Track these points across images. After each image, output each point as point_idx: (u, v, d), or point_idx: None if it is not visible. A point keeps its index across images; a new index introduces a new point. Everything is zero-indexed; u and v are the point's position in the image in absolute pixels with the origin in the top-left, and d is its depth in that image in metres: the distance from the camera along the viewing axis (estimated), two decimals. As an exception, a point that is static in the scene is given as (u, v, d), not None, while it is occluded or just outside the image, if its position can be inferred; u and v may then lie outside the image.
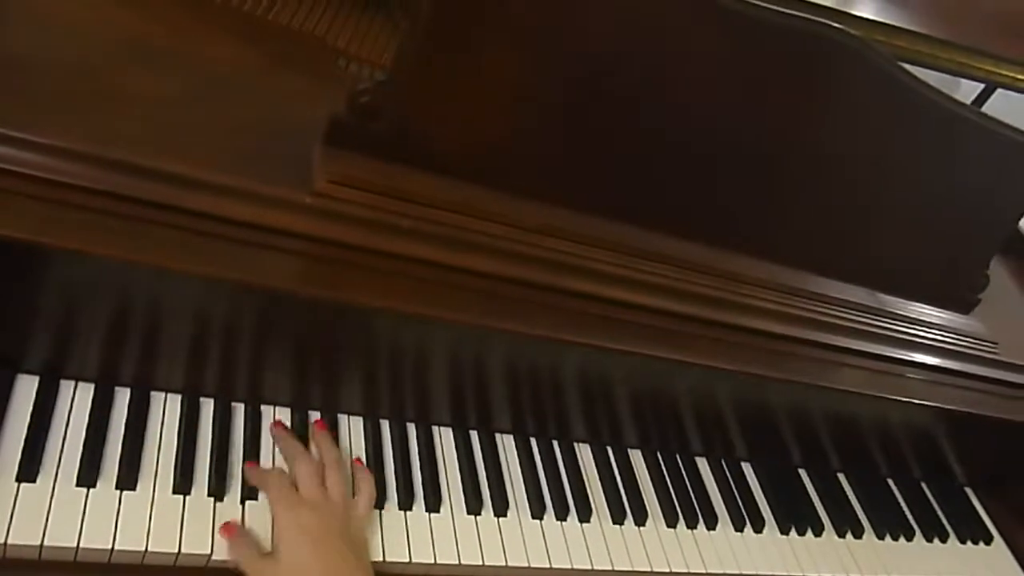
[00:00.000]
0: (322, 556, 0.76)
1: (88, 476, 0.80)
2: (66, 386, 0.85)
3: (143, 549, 0.78)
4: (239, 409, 0.92)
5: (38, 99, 0.77)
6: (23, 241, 0.70)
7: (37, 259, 0.74)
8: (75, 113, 0.77)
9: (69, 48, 0.85)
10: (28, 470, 0.78)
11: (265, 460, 0.89)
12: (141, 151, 0.74)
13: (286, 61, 0.97)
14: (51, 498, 0.77)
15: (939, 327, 1.13)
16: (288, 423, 0.93)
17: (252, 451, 0.89)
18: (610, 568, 0.98)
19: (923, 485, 1.33)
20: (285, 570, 0.76)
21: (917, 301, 1.14)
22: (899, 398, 1.08)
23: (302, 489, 0.83)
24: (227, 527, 0.80)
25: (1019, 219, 1.17)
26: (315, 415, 0.95)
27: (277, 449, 0.90)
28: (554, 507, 1.00)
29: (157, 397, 0.89)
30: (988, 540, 1.30)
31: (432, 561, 0.89)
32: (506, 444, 1.04)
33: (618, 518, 1.03)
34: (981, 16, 1.36)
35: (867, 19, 1.13)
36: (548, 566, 0.94)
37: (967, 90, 1.43)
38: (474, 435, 1.03)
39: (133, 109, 0.81)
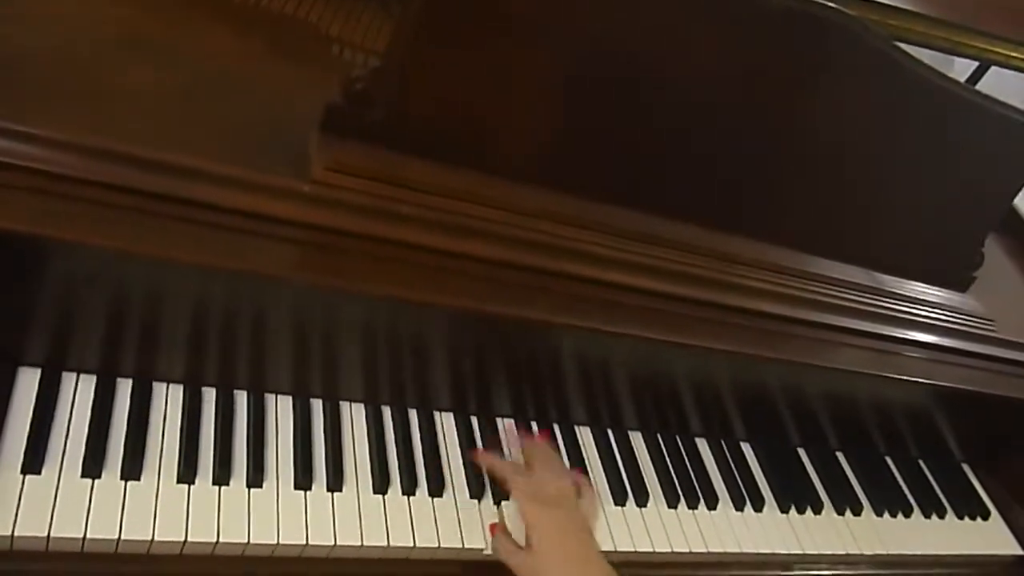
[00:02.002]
0: (574, 547, 0.86)
1: (93, 467, 0.80)
2: (68, 378, 0.85)
3: (149, 538, 0.78)
4: (241, 397, 0.92)
5: (36, 92, 0.77)
6: (23, 234, 0.70)
7: (37, 252, 0.74)
8: (73, 106, 0.77)
9: (66, 42, 0.84)
10: (33, 462, 0.78)
11: (269, 449, 0.89)
12: (139, 142, 0.74)
13: (281, 50, 0.97)
14: (56, 490, 0.78)
15: (936, 305, 1.14)
16: (289, 410, 0.93)
17: (256, 439, 0.89)
18: (613, 549, 0.98)
19: (921, 462, 1.34)
20: (545, 559, 0.85)
21: (914, 280, 1.14)
22: (896, 376, 1.09)
23: (548, 490, 0.90)
24: (493, 527, 0.92)
25: (1014, 197, 1.17)
26: (317, 403, 0.96)
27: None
28: (556, 490, 1.01)
29: (159, 387, 0.89)
30: (985, 516, 1.31)
31: (436, 545, 0.90)
32: (508, 429, 1.05)
33: (620, 500, 1.04)
34: (974, -6, 1.36)
35: (861, -2, 1.13)
36: (551, 548, 0.95)
37: (961, 68, 1.43)
38: (475, 420, 1.03)
39: (130, 101, 0.81)
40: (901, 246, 1.11)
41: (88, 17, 0.89)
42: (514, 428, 1.03)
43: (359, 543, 0.87)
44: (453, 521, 0.92)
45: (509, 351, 0.98)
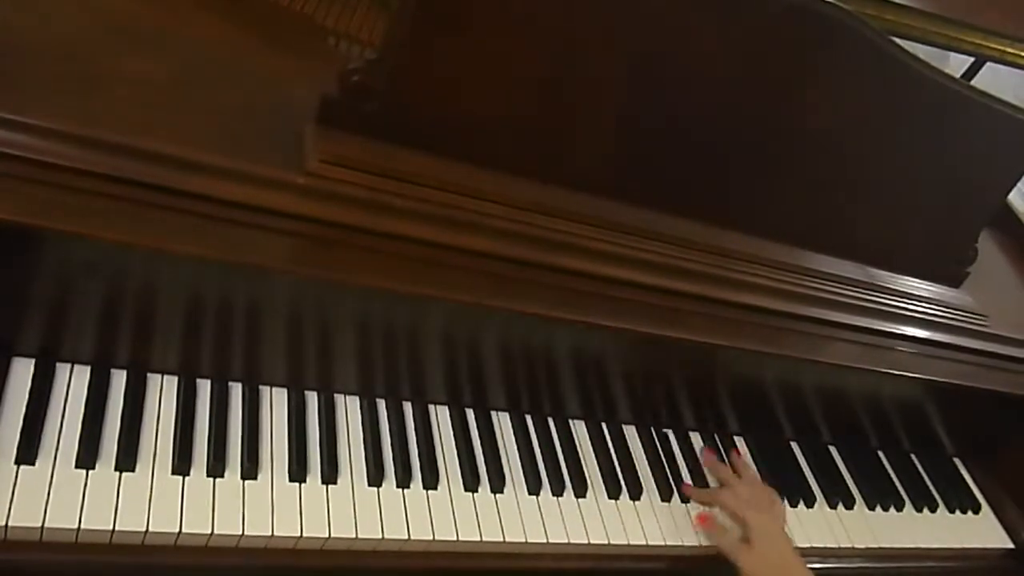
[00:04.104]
0: (782, 547, 1.01)
1: (87, 458, 0.80)
2: (62, 369, 0.85)
3: (143, 530, 0.78)
4: (236, 389, 0.92)
5: (31, 83, 0.77)
6: (16, 224, 0.69)
7: (31, 242, 0.74)
8: (68, 96, 0.77)
9: (61, 32, 0.84)
10: (27, 453, 0.78)
11: (264, 440, 0.90)
12: (134, 133, 0.74)
13: (276, 41, 0.97)
14: (51, 480, 0.78)
15: (929, 300, 1.14)
16: (284, 402, 0.94)
17: (251, 431, 0.89)
18: (607, 542, 0.99)
19: (913, 456, 1.34)
20: (766, 556, 0.99)
21: (907, 275, 1.14)
22: (890, 371, 1.09)
23: (760, 498, 1.06)
24: (702, 518, 1.06)
25: (1008, 192, 1.18)
26: (312, 395, 0.96)
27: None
28: (550, 483, 1.01)
29: (154, 379, 0.89)
30: (976, 509, 1.32)
31: (430, 538, 0.90)
32: (502, 422, 1.05)
33: (613, 493, 1.04)
34: (970, -11, 1.36)
35: (857, -7, 1.12)
36: (545, 541, 0.96)
37: (956, 64, 1.43)
38: (470, 413, 1.03)
39: (126, 92, 0.81)
40: (895, 241, 1.12)
41: (83, 6, 0.88)
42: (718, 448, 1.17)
43: (353, 535, 0.87)
44: (448, 514, 0.93)
45: (504, 345, 0.98)
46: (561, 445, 1.06)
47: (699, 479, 1.12)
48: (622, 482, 1.05)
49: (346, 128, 0.82)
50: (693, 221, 0.99)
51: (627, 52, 0.87)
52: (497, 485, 0.98)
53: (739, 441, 1.20)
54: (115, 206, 0.72)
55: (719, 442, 1.18)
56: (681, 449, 1.14)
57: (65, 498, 0.77)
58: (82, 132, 0.72)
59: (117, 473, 0.81)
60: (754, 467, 1.15)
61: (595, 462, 1.07)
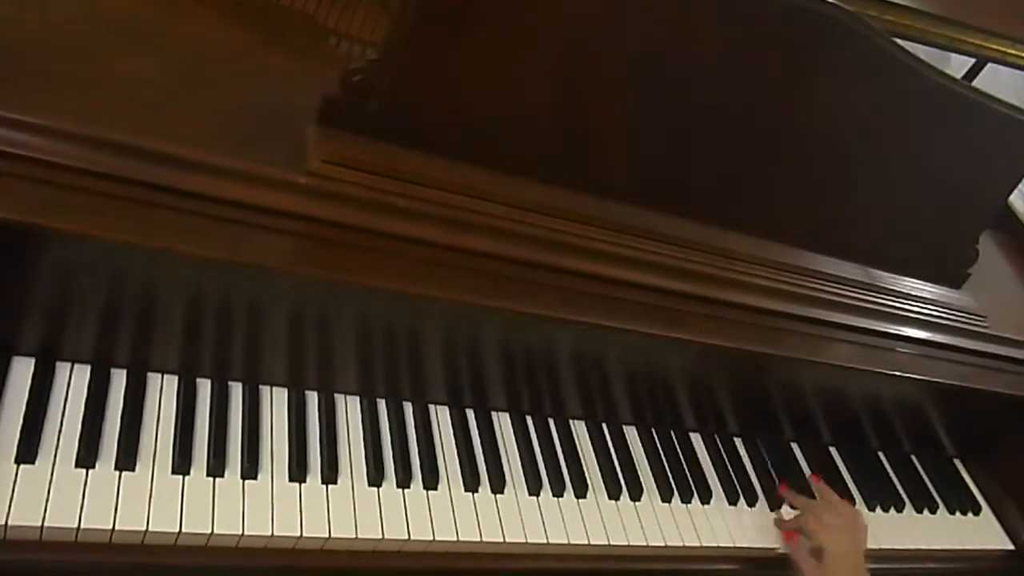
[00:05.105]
0: (855, 567, 1.03)
1: (87, 457, 0.80)
2: (62, 368, 0.85)
3: (143, 529, 0.78)
4: (236, 389, 0.92)
5: (31, 81, 0.77)
6: (17, 223, 0.69)
7: (31, 241, 0.74)
8: (68, 95, 0.77)
9: (61, 30, 0.84)
10: (27, 452, 0.78)
11: (264, 440, 0.89)
12: (135, 132, 0.74)
13: (277, 40, 0.97)
14: (51, 479, 0.78)
15: (930, 301, 1.14)
16: (284, 402, 0.93)
17: (251, 431, 0.89)
18: (606, 543, 0.99)
19: (913, 458, 1.34)
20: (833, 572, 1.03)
21: (908, 276, 1.15)
22: (890, 372, 1.09)
23: (840, 520, 1.08)
24: (788, 534, 1.08)
25: (1009, 194, 1.18)
26: (312, 395, 0.96)
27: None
28: (550, 484, 1.01)
29: (154, 378, 0.89)
30: (976, 511, 1.32)
31: (430, 538, 0.90)
32: (502, 422, 1.05)
33: (614, 494, 1.04)
34: (972, -9, 1.36)
35: (858, -7, 1.12)
36: (545, 541, 0.95)
37: (957, 65, 1.43)
38: (470, 413, 1.03)
39: (126, 91, 0.81)
40: (896, 242, 1.12)
41: (84, 4, 0.88)
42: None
43: (353, 535, 0.87)
44: (448, 514, 0.93)
45: (505, 345, 0.98)
46: (561, 445, 1.06)
47: (700, 480, 1.11)
48: (622, 483, 1.05)
49: (347, 128, 0.82)
50: (694, 221, 0.99)
51: (627, 52, 0.87)
52: (497, 485, 0.98)
53: (738, 442, 1.20)
54: (116, 205, 0.72)
55: (719, 443, 1.18)
56: (682, 450, 1.14)
57: (65, 497, 0.77)
58: (83, 131, 0.72)
59: (117, 472, 0.81)
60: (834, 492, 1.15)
61: (595, 463, 1.06)
